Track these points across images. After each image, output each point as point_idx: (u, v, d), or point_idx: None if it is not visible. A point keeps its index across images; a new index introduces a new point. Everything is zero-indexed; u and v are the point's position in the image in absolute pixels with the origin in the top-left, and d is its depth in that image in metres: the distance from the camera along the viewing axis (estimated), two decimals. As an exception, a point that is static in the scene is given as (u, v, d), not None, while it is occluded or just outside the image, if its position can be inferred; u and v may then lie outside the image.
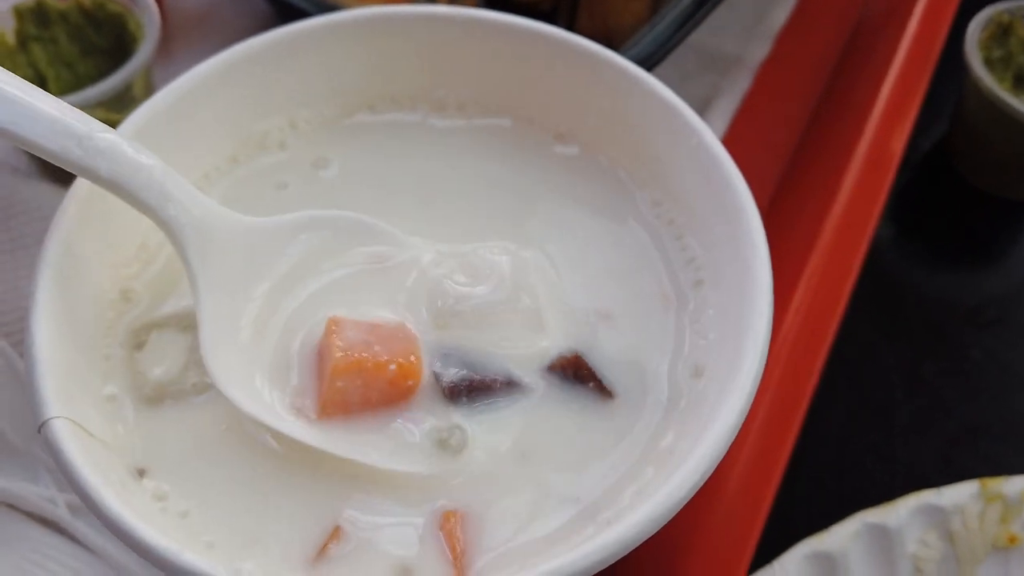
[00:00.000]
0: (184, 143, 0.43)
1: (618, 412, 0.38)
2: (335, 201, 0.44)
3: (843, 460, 0.57)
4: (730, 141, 0.65)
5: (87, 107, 0.53)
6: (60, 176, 0.58)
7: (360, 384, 0.36)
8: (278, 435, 0.36)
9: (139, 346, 0.40)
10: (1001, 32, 0.67)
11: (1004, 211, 0.70)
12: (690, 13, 0.58)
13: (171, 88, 0.43)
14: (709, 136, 0.41)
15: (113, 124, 0.38)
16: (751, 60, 0.71)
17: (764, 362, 0.35)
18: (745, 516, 0.45)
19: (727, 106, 0.68)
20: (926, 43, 0.66)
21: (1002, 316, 0.64)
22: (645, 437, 0.38)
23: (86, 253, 0.39)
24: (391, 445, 0.36)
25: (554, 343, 0.40)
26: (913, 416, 0.59)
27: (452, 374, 0.37)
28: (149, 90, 0.59)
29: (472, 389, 0.37)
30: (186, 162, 0.43)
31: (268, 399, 0.37)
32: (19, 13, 0.59)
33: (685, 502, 0.32)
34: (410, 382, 0.37)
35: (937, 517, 0.50)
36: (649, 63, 0.56)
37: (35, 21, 0.60)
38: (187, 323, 0.40)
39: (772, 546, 0.48)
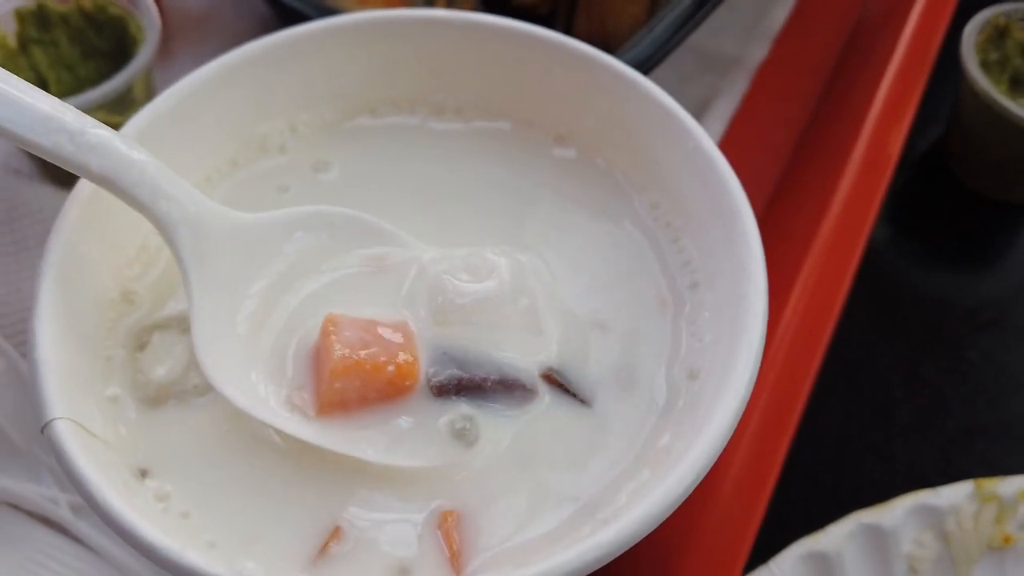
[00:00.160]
0: (185, 146, 0.43)
1: (613, 414, 0.39)
2: (335, 203, 0.44)
3: (840, 460, 0.57)
4: (728, 142, 0.65)
5: (88, 109, 0.53)
6: (62, 179, 0.58)
7: (359, 385, 0.36)
8: (280, 432, 0.37)
9: (141, 347, 0.40)
10: (997, 35, 0.67)
11: (1000, 213, 0.70)
12: (688, 16, 0.58)
13: (172, 91, 0.43)
14: (705, 140, 0.42)
15: (114, 126, 0.38)
16: (749, 62, 0.71)
17: (759, 363, 0.36)
18: (741, 516, 0.45)
19: (726, 107, 0.68)
20: (923, 45, 0.67)
21: (999, 318, 0.64)
22: (642, 438, 0.38)
23: (88, 255, 0.39)
24: (388, 440, 0.36)
25: (549, 346, 0.40)
26: (910, 417, 0.59)
27: (442, 374, 0.38)
28: (150, 92, 0.60)
29: (461, 388, 0.37)
30: (187, 165, 0.43)
31: (264, 396, 0.37)
32: (20, 16, 0.60)
33: (681, 501, 0.33)
34: (408, 382, 0.37)
35: (932, 517, 0.50)
36: (647, 66, 0.56)
37: (36, 24, 0.60)
38: (188, 324, 0.40)
39: (768, 546, 0.48)
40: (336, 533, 0.35)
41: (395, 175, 0.46)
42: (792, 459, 0.48)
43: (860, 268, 0.56)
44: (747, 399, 0.35)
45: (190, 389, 0.39)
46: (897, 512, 0.50)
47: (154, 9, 0.59)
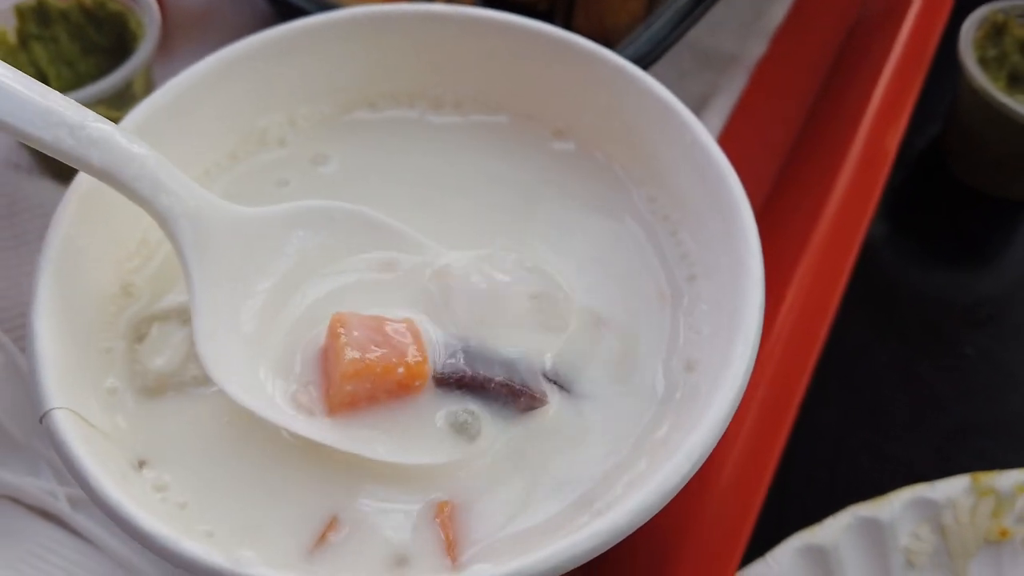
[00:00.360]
0: (184, 139, 0.44)
1: (611, 406, 0.39)
2: (335, 197, 0.44)
3: (837, 457, 0.57)
4: (727, 139, 0.66)
5: (88, 105, 0.52)
6: (62, 173, 0.59)
7: (369, 386, 0.36)
8: (285, 429, 0.37)
9: (140, 339, 0.40)
10: (995, 31, 0.67)
11: (998, 210, 0.70)
12: (686, 12, 0.59)
13: (171, 84, 0.43)
14: (703, 133, 0.42)
15: (114, 122, 0.38)
16: (748, 58, 0.72)
17: (755, 354, 0.36)
18: (738, 509, 0.45)
19: (724, 104, 0.69)
20: (921, 42, 0.67)
21: (996, 315, 0.64)
22: (639, 429, 0.38)
23: (87, 248, 0.40)
24: (395, 439, 0.36)
25: (555, 342, 0.40)
26: (907, 414, 0.59)
27: (448, 368, 0.38)
28: (149, 88, 0.60)
29: (464, 384, 0.37)
30: (186, 158, 0.43)
31: (269, 393, 0.37)
32: (20, 12, 0.60)
33: (676, 492, 0.33)
34: (417, 382, 0.37)
35: (929, 511, 0.50)
36: (645, 62, 0.56)
37: (36, 20, 0.60)
38: (188, 316, 0.40)
39: (765, 540, 0.48)
40: (334, 523, 0.35)
41: (394, 168, 0.46)
42: (789, 456, 0.48)
43: (857, 265, 0.56)
44: (743, 390, 0.35)
45: (189, 380, 0.39)
46: (894, 505, 0.50)
47: (154, 5, 0.59)
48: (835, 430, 0.58)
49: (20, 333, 0.52)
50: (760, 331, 0.36)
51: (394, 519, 0.35)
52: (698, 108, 0.68)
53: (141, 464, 0.37)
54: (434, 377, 0.37)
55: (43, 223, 0.39)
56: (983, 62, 0.66)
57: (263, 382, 0.37)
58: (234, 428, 0.38)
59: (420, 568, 0.34)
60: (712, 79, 0.71)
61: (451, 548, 0.34)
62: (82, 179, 0.40)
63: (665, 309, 0.42)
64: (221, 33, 0.69)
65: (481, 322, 0.39)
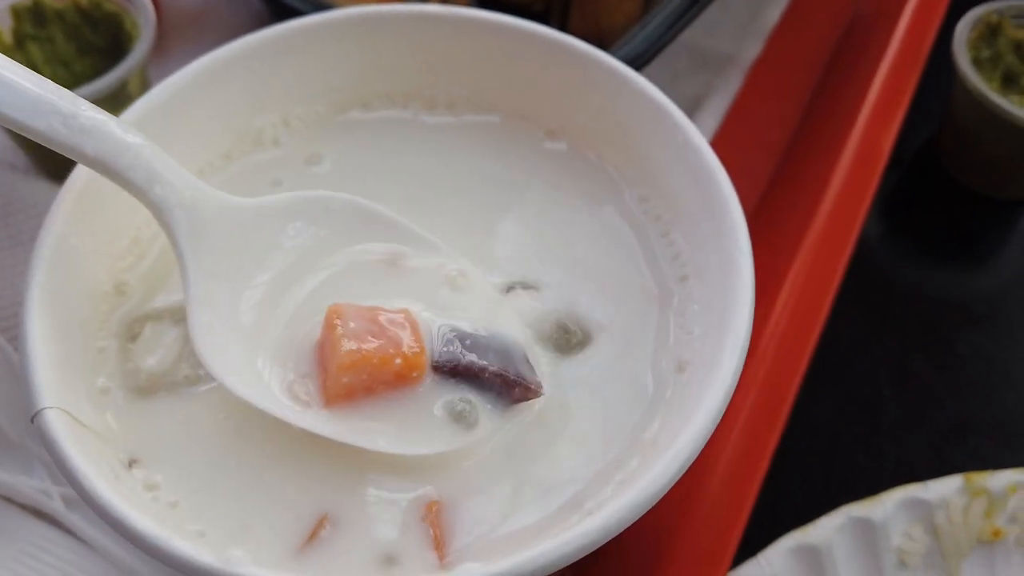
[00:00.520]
0: (179, 139, 0.44)
1: (602, 405, 0.39)
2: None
3: (830, 456, 0.57)
4: (722, 139, 0.66)
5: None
6: (58, 174, 0.59)
7: (366, 378, 0.36)
8: (279, 421, 0.36)
9: (133, 338, 0.40)
10: (990, 32, 0.67)
11: (992, 210, 0.70)
12: (680, 13, 0.59)
13: (166, 84, 0.44)
14: (695, 134, 0.42)
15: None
16: (743, 59, 0.72)
17: (745, 354, 0.36)
18: (730, 509, 0.45)
19: (719, 105, 0.69)
20: (916, 43, 0.67)
21: (989, 313, 0.64)
22: (629, 429, 0.38)
23: (80, 246, 0.40)
24: (394, 429, 0.36)
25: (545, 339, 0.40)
26: (901, 411, 0.59)
27: (444, 356, 0.37)
28: (145, 88, 0.60)
29: (458, 373, 0.37)
30: (181, 158, 0.42)
31: (266, 385, 0.37)
32: (16, 12, 0.60)
33: (665, 491, 0.33)
34: (415, 373, 0.37)
35: (922, 511, 0.50)
36: (640, 62, 0.56)
37: (32, 20, 0.60)
38: (181, 316, 0.40)
39: (757, 540, 0.49)
40: (324, 522, 0.35)
41: (388, 168, 0.47)
42: (782, 454, 0.48)
43: (852, 264, 0.56)
44: (733, 390, 0.35)
45: (181, 380, 0.39)
46: (887, 505, 0.50)
47: (149, 6, 0.59)
48: (829, 428, 0.58)
49: (14, 333, 0.52)
50: (750, 331, 0.36)
51: (384, 518, 0.35)
52: (693, 109, 0.68)
53: (132, 463, 0.37)
54: (432, 366, 0.37)
55: (38, 224, 0.39)
56: (977, 63, 0.66)
57: (260, 373, 0.37)
58: (226, 428, 0.38)
59: (409, 567, 0.34)
60: (707, 80, 0.71)
61: (440, 547, 0.34)
62: (76, 178, 0.40)
63: (656, 309, 0.42)
64: (216, 34, 0.69)
65: (471, 313, 0.39)
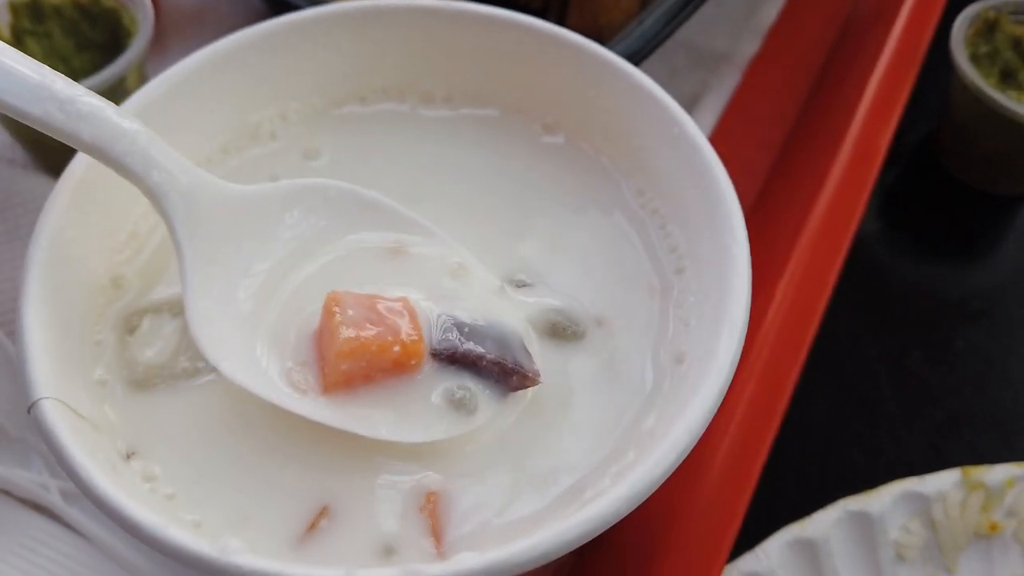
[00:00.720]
0: (176, 132, 0.43)
1: (600, 397, 0.39)
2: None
3: (827, 451, 0.57)
4: (720, 136, 0.66)
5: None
6: (57, 169, 0.58)
7: (364, 365, 0.36)
8: (278, 410, 0.36)
9: (131, 331, 0.40)
10: (987, 28, 0.67)
11: (990, 206, 0.70)
12: (677, 9, 0.59)
13: (163, 77, 0.44)
14: (691, 126, 0.42)
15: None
16: (741, 57, 0.72)
17: (742, 344, 0.36)
18: (728, 502, 0.45)
19: (717, 102, 0.69)
20: (913, 40, 0.67)
21: (987, 309, 0.64)
22: (627, 421, 0.38)
23: (77, 239, 0.40)
24: (393, 417, 0.36)
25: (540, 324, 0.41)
26: (898, 407, 0.59)
27: (442, 343, 0.38)
28: (142, 84, 0.60)
29: (456, 360, 0.37)
30: (178, 151, 0.43)
31: (265, 373, 0.37)
32: (14, 8, 0.60)
33: (662, 480, 0.33)
34: (413, 361, 0.37)
35: (919, 505, 0.50)
36: (636, 58, 0.56)
37: (30, 16, 0.60)
38: (179, 309, 0.40)
39: (755, 534, 0.49)
40: (324, 513, 0.35)
41: (385, 161, 0.47)
42: (779, 449, 0.48)
43: (850, 261, 0.56)
44: (729, 380, 0.35)
45: (179, 372, 0.39)
46: (884, 499, 0.50)
47: (147, 2, 0.60)
48: (826, 423, 0.58)
49: (13, 327, 0.52)
50: (746, 321, 0.36)
51: (383, 509, 0.36)
52: (690, 106, 0.68)
53: (130, 455, 0.37)
54: (430, 354, 0.37)
55: (36, 219, 0.39)
56: (975, 59, 0.66)
57: (258, 361, 0.37)
58: (224, 420, 0.38)
59: (407, 556, 0.34)
60: (705, 77, 0.71)
61: (437, 537, 0.34)
62: (73, 170, 0.40)
63: (654, 301, 0.42)
64: (214, 30, 0.69)
65: (469, 303, 0.39)
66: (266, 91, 0.47)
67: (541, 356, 0.40)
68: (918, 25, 0.68)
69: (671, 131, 0.42)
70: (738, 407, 0.48)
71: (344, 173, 0.46)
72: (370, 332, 0.36)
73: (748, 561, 0.48)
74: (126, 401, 0.39)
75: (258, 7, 0.67)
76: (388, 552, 0.35)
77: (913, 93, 0.65)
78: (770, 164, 0.66)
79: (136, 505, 0.32)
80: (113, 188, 0.40)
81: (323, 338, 0.37)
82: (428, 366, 0.37)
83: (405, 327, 0.37)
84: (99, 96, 0.37)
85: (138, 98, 0.43)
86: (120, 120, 0.37)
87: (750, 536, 0.48)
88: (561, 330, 0.41)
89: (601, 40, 0.49)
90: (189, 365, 0.39)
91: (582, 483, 0.36)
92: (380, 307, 0.37)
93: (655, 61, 0.59)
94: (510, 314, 0.40)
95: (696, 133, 0.42)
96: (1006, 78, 0.67)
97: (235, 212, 0.39)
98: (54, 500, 0.48)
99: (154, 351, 0.40)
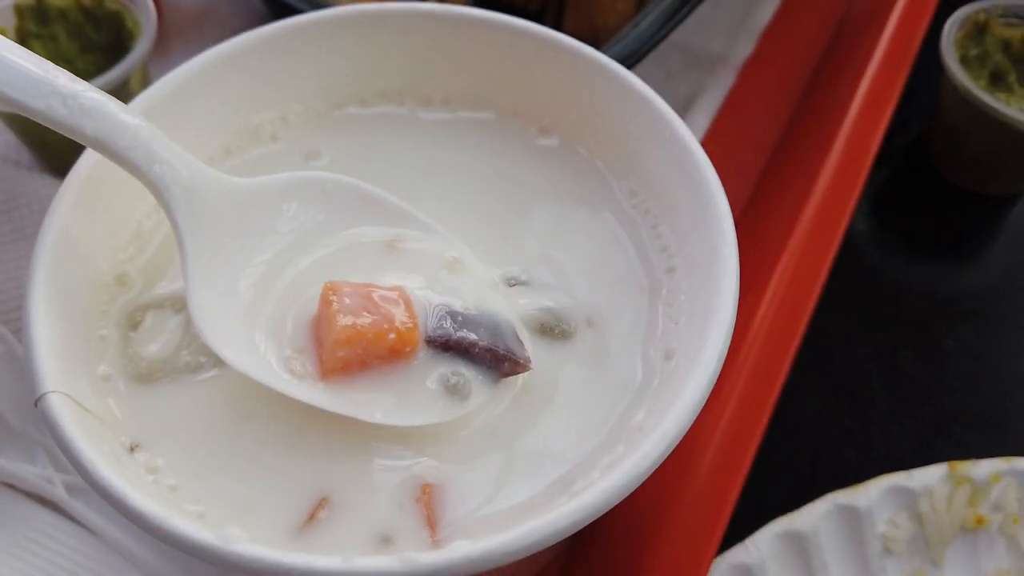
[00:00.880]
0: (179, 132, 0.44)
1: (590, 392, 0.40)
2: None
3: (817, 447, 0.58)
4: (713, 137, 0.67)
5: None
6: (62, 170, 0.60)
7: (360, 352, 0.37)
8: (279, 398, 0.37)
9: (134, 327, 0.41)
10: (977, 31, 0.68)
11: (980, 207, 0.71)
12: (672, 12, 0.60)
13: (167, 79, 0.45)
14: (682, 127, 0.43)
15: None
16: (735, 59, 0.73)
17: (730, 339, 0.37)
18: (718, 495, 0.46)
19: (711, 103, 0.70)
20: (904, 42, 0.68)
21: (977, 308, 0.65)
22: (616, 415, 0.39)
23: (83, 237, 0.41)
24: (390, 401, 0.37)
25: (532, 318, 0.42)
26: (888, 404, 0.60)
27: (436, 331, 0.39)
28: (145, 86, 0.61)
29: (450, 347, 0.38)
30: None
31: (265, 360, 0.38)
32: (19, 10, 0.61)
33: (651, 471, 0.34)
34: (408, 348, 0.38)
35: (906, 499, 0.51)
36: (631, 60, 0.57)
37: (35, 18, 0.61)
38: (182, 304, 0.41)
39: (745, 525, 0.50)
40: (323, 503, 0.36)
41: (384, 163, 0.48)
42: (770, 445, 0.49)
43: (843, 260, 0.57)
44: (718, 374, 0.36)
45: (181, 367, 0.40)
46: (872, 493, 0.51)
47: (151, 5, 0.61)
48: (816, 419, 0.59)
49: (18, 325, 0.54)
50: (734, 317, 0.37)
51: (380, 500, 0.36)
52: (686, 107, 0.69)
53: (134, 448, 0.38)
54: (425, 341, 0.38)
55: (42, 219, 0.40)
56: (965, 61, 0.67)
57: (258, 348, 0.38)
58: (226, 413, 0.39)
59: (403, 545, 0.35)
60: (699, 79, 0.72)
61: (432, 526, 0.35)
62: (79, 169, 0.41)
63: (644, 299, 0.43)
64: (217, 33, 0.70)
65: (466, 293, 0.40)
66: (268, 93, 0.48)
67: (533, 352, 0.41)
68: (909, 28, 0.69)
69: (663, 133, 0.43)
70: (729, 403, 0.49)
71: (344, 173, 0.47)
72: (366, 320, 0.37)
73: (738, 553, 0.49)
74: (129, 395, 0.39)
75: (259, 10, 0.69)
76: (385, 541, 0.35)
77: (904, 95, 0.66)
78: (763, 164, 0.67)
79: (140, 496, 0.33)
80: (118, 187, 0.42)
81: (321, 326, 0.38)
82: (423, 353, 0.38)
83: (400, 315, 0.38)
84: (102, 91, 0.38)
85: (142, 100, 0.44)
86: (123, 115, 0.38)
87: (740, 528, 0.49)
88: (553, 327, 0.42)
89: (597, 43, 0.50)
90: (191, 360, 0.40)
91: (572, 474, 0.37)
92: (376, 296, 0.38)
93: (651, 63, 0.60)
94: (503, 305, 0.41)
95: (687, 135, 0.43)
96: (996, 80, 0.68)
97: (236, 205, 0.40)
98: (59, 494, 0.49)
99: (157, 346, 0.41)
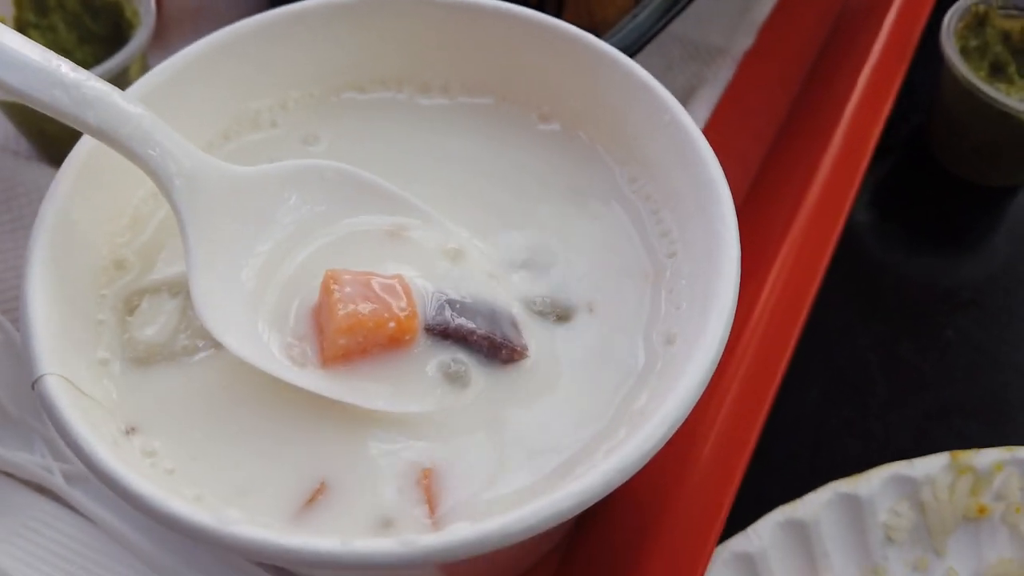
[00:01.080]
0: (178, 118, 0.44)
1: (593, 377, 0.40)
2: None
3: (818, 437, 0.58)
4: (713, 128, 0.67)
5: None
6: (59, 159, 0.59)
7: (361, 340, 0.37)
8: (278, 383, 0.37)
9: (131, 310, 0.41)
10: (977, 22, 0.68)
11: (980, 198, 0.71)
12: (671, 4, 0.60)
13: (166, 64, 0.44)
14: (682, 113, 0.43)
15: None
16: (735, 50, 0.73)
17: (731, 323, 0.37)
18: (719, 483, 0.46)
19: (711, 94, 0.70)
20: (904, 34, 0.68)
21: (977, 299, 0.65)
22: (619, 400, 0.39)
23: (80, 221, 0.40)
24: (389, 388, 0.38)
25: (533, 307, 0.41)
26: (888, 394, 0.60)
27: (435, 319, 0.39)
28: (145, 76, 0.61)
29: (448, 335, 0.38)
30: (180, 136, 0.44)
31: (266, 346, 0.38)
32: (18, 1, 0.61)
33: (652, 454, 0.34)
34: (408, 336, 0.38)
35: (908, 488, 0.51)
36: (630, 51, 0.57)
37: (34, 9, 0.61)
38: (178, 288, 0.41)
39: (747, 514, 0.49)
40: (321, 488, 0.36)
41: (384, 148, 0.47)
42: (770, 435, 0.49)
43: (843, 251, 0.57)
44: (719, 358, 0.36)
45: (178, 350, 0.40)
46: (873, 482, 0.51)
47: (149, -6, 0.60)
48: (817, 409, 0.59)
49: (16, 314, 0.53)
50: (735, 301, 0.37)
51: (379, 483, 0.36)
52: (685, 99, 0.69)
53: (131, 431, 0.38)
54: (424, 329, 0.39)
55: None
56: (965, 52, 0.67)
57: (259, 336, 0.38)
58: (223, 396, 0.39)
59: (403, 528, 0.35)
60: (699, 71, 0.72)
61: (432, 509, 0.35)
62: (76, 155, 0.41)
63: (647, 285, 0.43)
64: (216, 23, 0.70)
65: (465, 283, 0.41)
66: (266, 80, 0.48)
67: (535, 337, 0.40)
68: (909, 19, 0.69)
69: (663, 118, 0.43)
70: (730, 390, 0.49)
71: (342, 159, 0.47)
72: (367, 308, 0.37)
73: (740, 541, 0.49)
74: (127, 379, 0.39)
75: (259, 3, 0.68)
76: (386, 525, 0.35)
77: (904, 86, 0.66)
78: (763, 155, 0.67)
79: (138, 478, 0.33)
80: (115, 173, 0.41)
81: (321, 314, 0.38)
82: (423, 341, 0.39)
83: (400, 303, 0.38)
84: (104, 81, 0.38)
85: (141, 84, 0.44)
86: (125, 104, 0.38)
87: (742, 517, 0.49)
88: (554, 312, 0.42)
89: (596, 34, 0.49)
90: (188, 343, 0.40)
91: (574, 459, 0.37)
92: (376, 284, 0.38)
93: (651, 55, 0.60)
94: (502, 294, 0.41)
95: (687, 120, 0.42)
96: (996, 71, 0.68)
97: (237, 193, 0.40)
98: (57, 482, 0.49)
99: (154, 330, 0.40)
